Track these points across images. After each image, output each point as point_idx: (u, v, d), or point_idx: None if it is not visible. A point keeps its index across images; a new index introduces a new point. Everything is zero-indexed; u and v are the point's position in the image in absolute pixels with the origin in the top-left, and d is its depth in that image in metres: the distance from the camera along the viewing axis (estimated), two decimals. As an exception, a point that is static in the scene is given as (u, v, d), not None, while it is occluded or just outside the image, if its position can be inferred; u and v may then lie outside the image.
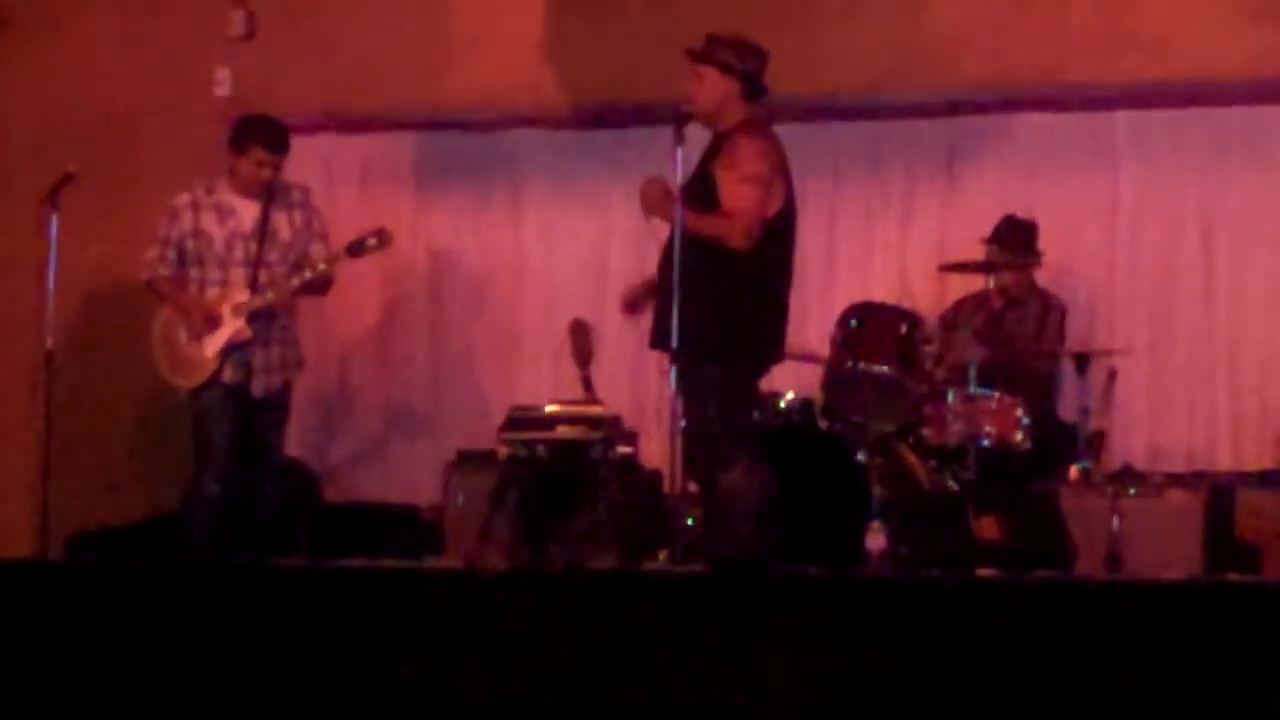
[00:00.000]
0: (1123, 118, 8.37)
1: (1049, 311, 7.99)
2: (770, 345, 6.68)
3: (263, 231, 7.58)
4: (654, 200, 6.51)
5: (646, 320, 6.87)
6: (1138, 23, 8.17)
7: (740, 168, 6.52)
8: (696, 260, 6.42)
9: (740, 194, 6.49)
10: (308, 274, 7.59)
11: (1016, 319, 7.95)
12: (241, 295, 7.53)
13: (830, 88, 8.26)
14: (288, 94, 8.62)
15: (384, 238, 7.73)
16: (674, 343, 6.35)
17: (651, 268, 6.78)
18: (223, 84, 8.96)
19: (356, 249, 7.69)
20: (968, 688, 5.37)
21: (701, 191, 6.53)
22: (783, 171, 6.64)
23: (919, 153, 8.55)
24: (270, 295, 7.53)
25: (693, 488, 6.60)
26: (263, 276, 7.56)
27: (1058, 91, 8.30)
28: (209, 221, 7.60)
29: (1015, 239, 7.93)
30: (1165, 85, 8.17)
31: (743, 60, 6.65)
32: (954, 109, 8.46)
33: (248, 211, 7.61)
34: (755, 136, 6.61)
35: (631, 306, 7.12)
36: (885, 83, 8.37)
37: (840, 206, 8.55)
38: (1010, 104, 8.40)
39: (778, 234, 6.61)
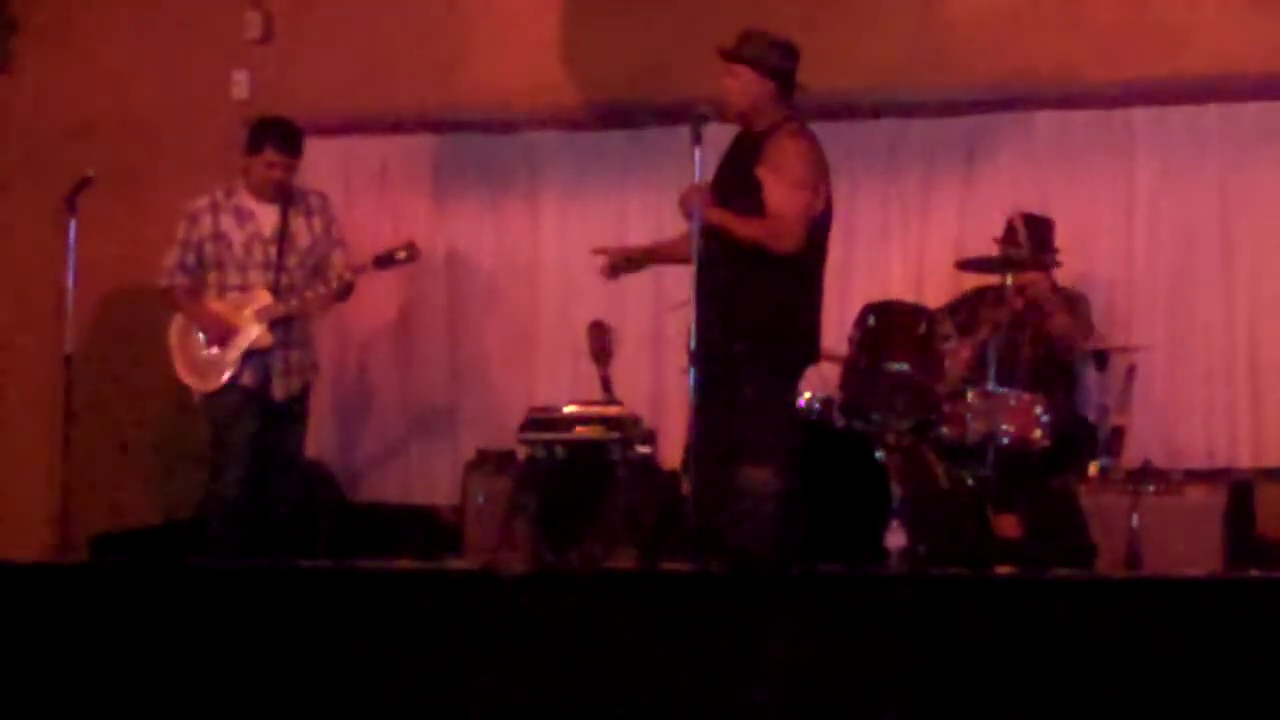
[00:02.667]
0: (1140, 114, 8.34)
1: (1073, 306, 7.93)
2: (811, 344, 6.69)
3: (282, 236, 7.59)
4: (699, 205, 6.47)
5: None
6: (1154, 18, 8.17)
7: (788, 171, 6.51)
8: (742, 261, 6.40)
9: (789, 198, 6.49)
10: (334, 284, 7.60)
11: (1038, 321, 7.90)
12: (263, 299, 7.55)
13: (846, 86, 8.24)
14: (305, 96, 8.63)
15: (412, 251, 7.76)
16: (695, 343, 6.33)
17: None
18: (240, 86, 8.99)
19: (384, 262, 7.72)
20: (987, 686, 5.36)
21: (740, 193, 6.52)
22: (825, 172, 6.63)
23: (936, 151, 8.52)
24: (295, 303, 7.55)
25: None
26: (283, 281, 7.57)
27: (1074, 88, 8.29)
28: (228, 224, 7.62)
29: (1031, 235, 7.88)
30: (1182, 81, 8.16)
31: (778, 58, 6.63)
32: (970, 107, 8.44)
33: (266, 216, 7.62)
34: (798, 138, 6.59)
35: (613, 270, 7.05)
36: (901, 81, 8.37)
37: (857, 205, 8.50)
38: (1027, 101, 8.38)
39: (819, 234, 6.62)
